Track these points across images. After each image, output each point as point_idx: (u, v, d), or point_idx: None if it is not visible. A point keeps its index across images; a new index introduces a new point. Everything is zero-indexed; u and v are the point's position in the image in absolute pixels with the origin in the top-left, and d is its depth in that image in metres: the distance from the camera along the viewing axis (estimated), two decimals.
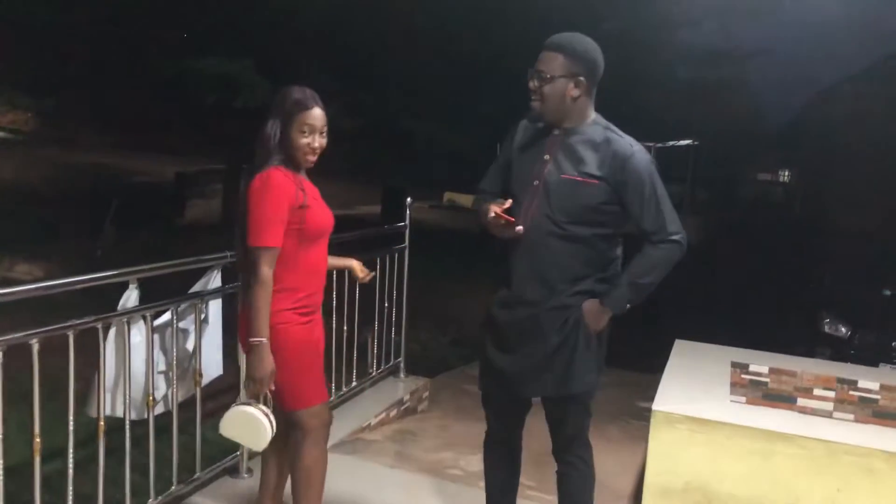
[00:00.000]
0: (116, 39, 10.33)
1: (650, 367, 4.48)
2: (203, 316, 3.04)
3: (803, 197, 20.12)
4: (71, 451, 2.44)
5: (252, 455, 3.27)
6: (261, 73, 9.44)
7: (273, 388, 2.44)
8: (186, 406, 3.03)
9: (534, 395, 2.54)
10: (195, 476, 3.08)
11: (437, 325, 6.92)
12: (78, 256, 8.79)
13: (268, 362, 2.34)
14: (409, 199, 4.54)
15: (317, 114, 2.40)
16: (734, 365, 3.65)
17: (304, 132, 2.38)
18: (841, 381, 3.51)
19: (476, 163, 4.91)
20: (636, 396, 5.06)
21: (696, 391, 3.21)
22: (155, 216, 12.16)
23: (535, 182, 2.44)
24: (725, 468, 2.84)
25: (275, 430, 2.43)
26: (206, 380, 3.10)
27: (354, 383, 4.24)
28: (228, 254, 3.02)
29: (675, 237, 2.43)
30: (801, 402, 3.53)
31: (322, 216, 2.50)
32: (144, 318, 2.74)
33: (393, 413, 4.36)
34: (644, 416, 3.33)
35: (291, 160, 2.41)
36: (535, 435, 2.79)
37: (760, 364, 3.65)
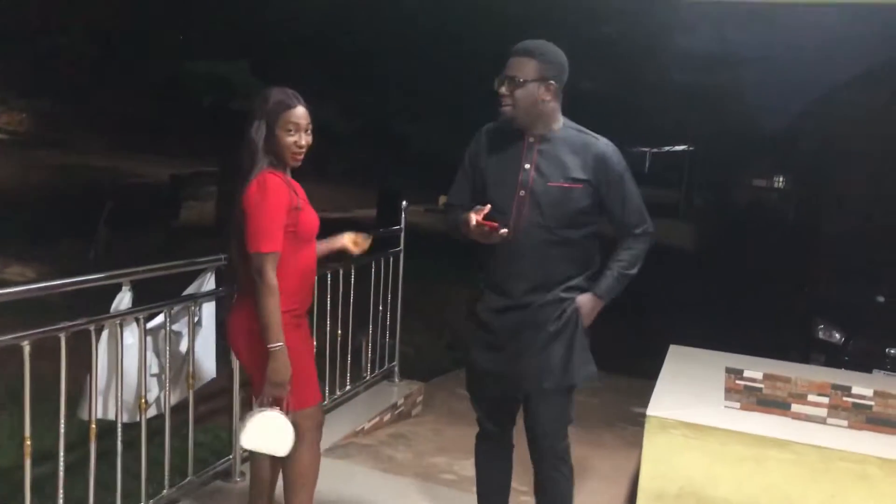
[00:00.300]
0: (111, 41, 10.31)
1: (644, 373, 4.47)
2: (196, 319, 3.03)
3: (798, 203, 20.17)
4: (62, 454, 2.42)
5: (244, 459, 3.25)
6: (256, 76, 9.43)
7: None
8: (179, 409, 3.01)
9: (532, 388, 2.52)
10: (187, 480, 3.06)
11: (431, 328, 6.91)
12: (71, 258, 8.76)
13: (288, 366, 2.34)
14: (404, 203, 4.54)
15: (301, 112, 2.40)
16: (728, 370, 3.65)
17: (290, 131, 2.38)
18: (835, 387, 3.52)
19: None
20: (630, 402, 5.06)
21: (690, 396, 3.21)
22: (149, 218, 12.13)
23: (522, 192, 2.46)
24: (720, 474, 2.84)
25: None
26: (198, 383, 3.08)
27: (348, 387, 4.23)
28: (222, 256, 3.01)
29: (650, 229, 2.58)
30: (795, 408, 3.53)
31: (313, 218, 2.49)
32: (137, 320, 2.73)
33: (387, 417, 4.35)
34: (638, 421, 3.32)
35: (279, 160, 2.40)
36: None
37: (755, 370, 3.65)
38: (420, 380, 4.92)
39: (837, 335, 6.47)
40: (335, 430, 3.80)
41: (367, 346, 4.44)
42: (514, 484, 2.85)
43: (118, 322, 2.63)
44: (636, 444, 3.24)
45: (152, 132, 15.23)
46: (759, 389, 3.61)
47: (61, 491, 2.43)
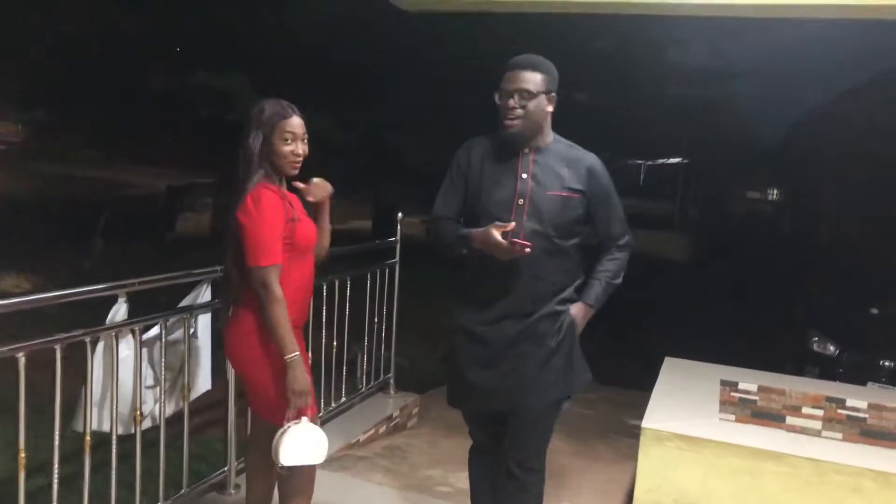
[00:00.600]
0: (108, 52, 10.33)
1: (639, 385, 4.48)
2: (192, 330, 3.03)
3: (791, 215, 20.26)
4: (56, 465, 2.41)
5: (240, 471, 3.24)
6: (253, 88, 9.46)
7: (265, 400, 2.43)
8: (174, 421, 3.01)
9: (532, 402, 2.52)
10: (182, 492, 3.05)
11: (427, 340, 6.90)
12: (66, 269, 8.74)
13: (306, 374, 2.35)
14: (400, 215, 4.55)
15: (297, 122, 2.42)
16: (723, 383, 3.66)
17: (287, 140, 2.40)
18: (829, 399, 3.53)
19: None
20: (625, 414, 5.06)
21: (685, 409, 3.22)
22: (145, 229, 12.12)
23: (521, 201, 2.48)
24: (714, 486, 2.84)
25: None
26: (194, 394, 3.08)
27: (344, 399, 4.22)
28: (218, 268, 3.01)
29: (632, 241, 2.68)
30: (789, 420, 3.54)
31: (310, 229, 2.50)
32: (133, 331, 2.73)
33: (382, 429, 4.34)
34: (633, 433, 3.33)
35: (276, 170, 2.42)
36: None
37: (749, 382, 3.67)
38: (416, 392, 4.92)
39: (832, 347, 6.49)
40: (330, 442, 3.73)
41: (363, 357, 4.43)
42: None
43: (114, 334, 2.63)
44: (631, 456, 3.25)
45: (150, 143, 15.24)
46: (754, 402, 3.62)
47: (55, 503, 2.42)
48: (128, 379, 2.72)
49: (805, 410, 3.54)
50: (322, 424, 3.31)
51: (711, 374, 3.76)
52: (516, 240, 2.34)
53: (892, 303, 6.89)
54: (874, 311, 7.01)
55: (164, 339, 2.86)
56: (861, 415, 3.47)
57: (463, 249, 2.50)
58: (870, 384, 5.75)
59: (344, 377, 4.17)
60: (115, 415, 2.66)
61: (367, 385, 4.48)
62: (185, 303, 3.05)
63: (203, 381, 3.16)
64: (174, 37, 10.38)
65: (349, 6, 9.54)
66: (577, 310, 2.57)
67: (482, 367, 2.56)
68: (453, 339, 2.63)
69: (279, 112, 2.41)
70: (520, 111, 2.44)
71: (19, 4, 9.73)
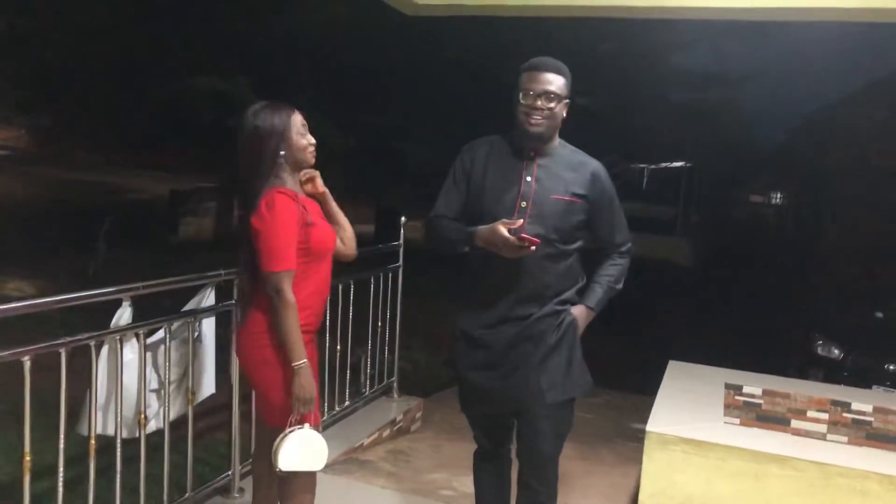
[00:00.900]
0: (111, 57, 10.37)
1: (643, 389, 4.48)
2: (196, 334, 3.03)
3: (795, 219, 20.22)
4: (61, 469, 2.42)
5: (244, 475, 3.24)
6: (256, 93, 9.49)
7: (270, 403, 2.43)
8: (178, 425, 3.01)
9: (533, 403, 2.51)
10: (186, 496, 3.05)
11: (430, 344, 6.90)
12: (70, 273, 8.76)
13: (312, 382, 2.36)
14: (403, 218, 4.55)
15: (301, 116, 2.48)
16: (728, 386, 3.65)
17: (302, 133, 2.45)
18: (834, 403, 3.52)
19: None
20: (629, 418, 5.05)
21: (689, 412, 3.21)
22: (148, 233, 12.14)
23: (524, 203, 2.48)
24: (719, 490, 2.83)
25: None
26: (198, 398, 3.08)
27: (347, 403, 4.22)
28: (222, 272, 3.02)
29: (633, 247, 2.70)
30: (794, 423, 3.53)
31: (326, 233, 2.50)
32: (137, 335, 2.73)
33: (386, 433, 4.33)
34: (637, 437, 3.32)
35: (297, 165, 2.45)
36: None
37: (754, 385, 3.66)
38: (419, 395, 4.91)
39: (836, 351, 6.48)
40: (334, 446, 3.78)
41: (366, 361, 4.43)
42: (512, 501, 2.84)
43: (118, 337, 2.64)
44: (635, 460, 3.24)
45: (153, 148, 15.28)
46: (759, 405, 3.61)
47: None
48: (132, 383, 2.72)
49: (810, 414, 3.53)
50: (325, 428, 3.32)
51: (715, 378, 3.75)
52: (524, 235, 2.32)
53: None
54: (879, 314, 7.01)
55: (168, 343, 2.86)
56: (866, 418, 3.46)
57: (464, 248, 2.50)
58: (875, 387, 5.74)
59: (347, 381, 4.17)
60: (119, 418, 2.66)
61: (370, 389, 4.48)
62: (189, 307, 3.05)
63: (207, 385, 3.16)
64: (177, 42, 10.41)
65: (351, 11, 9.56)
66: (579, 311, 2.57)
67: (483, 370, 2.55)
68: (454, 344, 2.63)
69: (287, 110, 2.44)
70: (546, 112, 2.43)
71: (21, 9, 9.77)
